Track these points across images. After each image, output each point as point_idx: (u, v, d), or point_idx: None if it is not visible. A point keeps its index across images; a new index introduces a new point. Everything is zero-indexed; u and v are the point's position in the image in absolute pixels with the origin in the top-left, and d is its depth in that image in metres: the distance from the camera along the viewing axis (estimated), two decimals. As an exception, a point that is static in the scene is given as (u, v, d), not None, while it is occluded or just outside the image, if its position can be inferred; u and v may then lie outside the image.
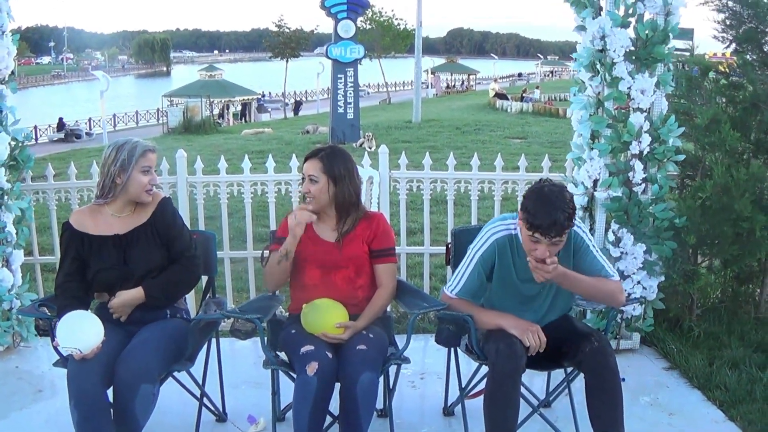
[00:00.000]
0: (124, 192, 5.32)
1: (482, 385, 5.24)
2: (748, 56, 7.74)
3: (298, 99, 71.76)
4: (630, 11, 6.68)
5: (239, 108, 62.39)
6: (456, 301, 5.29)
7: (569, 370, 5.41)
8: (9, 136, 7.17)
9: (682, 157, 6.94)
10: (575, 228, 5.18)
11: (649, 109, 6.80)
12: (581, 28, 6.93)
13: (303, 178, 5.43)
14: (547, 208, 4.79)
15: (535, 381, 6.03)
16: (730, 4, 7.71)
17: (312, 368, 4.80)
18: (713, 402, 6.35)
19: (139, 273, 5.28)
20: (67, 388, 4.78)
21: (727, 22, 7.75)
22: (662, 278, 7.05)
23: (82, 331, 4.90)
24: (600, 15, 6.81)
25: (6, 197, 7.14)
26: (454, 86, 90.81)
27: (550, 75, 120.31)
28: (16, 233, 7.31)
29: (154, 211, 5.44)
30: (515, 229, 5.21)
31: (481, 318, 5.21)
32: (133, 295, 5.19)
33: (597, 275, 5.24)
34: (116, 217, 5.39)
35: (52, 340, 5.12)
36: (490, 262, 5.24)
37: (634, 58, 6.70)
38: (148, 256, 5.33)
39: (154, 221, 5.41)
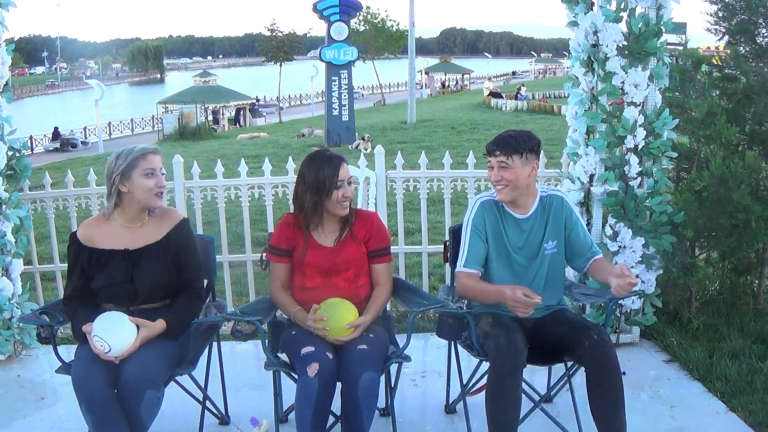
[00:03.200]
0: (132, 199, 5.25)
1: (484, 381, 5.26)
2: (741, 48, 7.75)
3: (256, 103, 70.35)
4: (622, 6, 6.71)
5: (233, 113, 62.34)
6: (464, 276, 5.37)
7: (570, 364, 5.41)
8: (5, 146, 7.18)
9: (674, 154, 6.98)
10: (567, 202, 5.50)
11: (643, 102, 6.83)
12: (574, 24, 6.96)
13: (340, 184, 5.35)
14: (499, 137, 5.26)
15: (535, 376, 6.04)
16: (723, -5, 7.73)
17: (313, 369, 4.80)
18: (714, 393, 6.36)
19: (143, 292, 5.25)
20: (75, 394, 4.77)
21: (720, 14, 7.76)
22: (661, 272, 7.07)
23: (120, 333, 4.95)
24: (592, 10, 6.83)
25: (4, 206, 7.15)
26: (448, 86, 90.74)
27: (544, 73, 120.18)
28: (15, 242, 7.31)
29: (170, 231, 5.38)
30: (496, 194, 5.40)
31: (483, 293, 5.29)
32: (158, 329, 5.11)
33: (588, 250, 5.49)
34: (127, 227, 5.33)
35: (54, 347, 5.14)
36: (481, 224, 5.39)
37: (626, 52, 6.72)
38: (156, 276, 5.28)
39: (168, 241, 5.35)
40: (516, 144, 5.18)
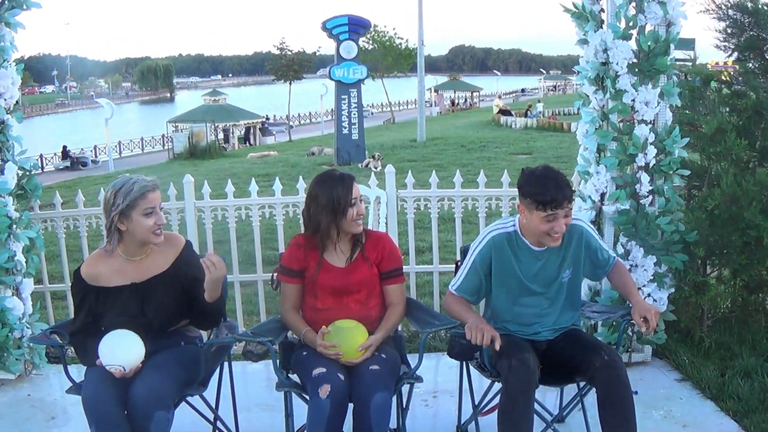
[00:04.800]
0: (132, 237, 5.21)
1: (495, 402, 5.24)
2: (750, 64, 7.74)
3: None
4: (631, 23, 6.70)
5: (243, 131, 62.43)
6: (451, 296, 5.45)
7: (582, 384, 5.38)
8: (16, 166, 7.19)
9: (687, 172, 6.95)
10: (580, 222, 5.42)
11: (654, 120, 6.82)
12: (584, 42, 6.94)
13: (353, 202, 5.32)
14: (550, 182, 5.03)
15: (547, 396, 6.03)
16: (731, 12, 7.71)
17: (324, 391, 4.79)
18: (726, 412, 6.32)
19: (157, 323, 5.24)
20: (86, 414, 4.77)
21: (729, 31, 7.75)
22: (672, 290, 7.05)
23: (126, 348, 4.95)
24: (602, 28, 6.83)
25: (14, 226, 7.14)
26: (457, 104, 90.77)
27: (554, 89, 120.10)
28: (26, 262, 7.31)
29: (175, 259, 5.36)
30: (513, 226, 5.34)
31: (458, 314, 5.29)
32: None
33: (606, 263, 5.56)
34: (130, 261, 5.29)
35: (65, 367, 5.14)
36: (488, 260, 5.34)
37: (636, 70, 6.71)
38: (168, 305, 5.28)
39: (175, 270, 5.32)
40: (571, 190, 5.12)
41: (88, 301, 5.25)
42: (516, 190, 5.29)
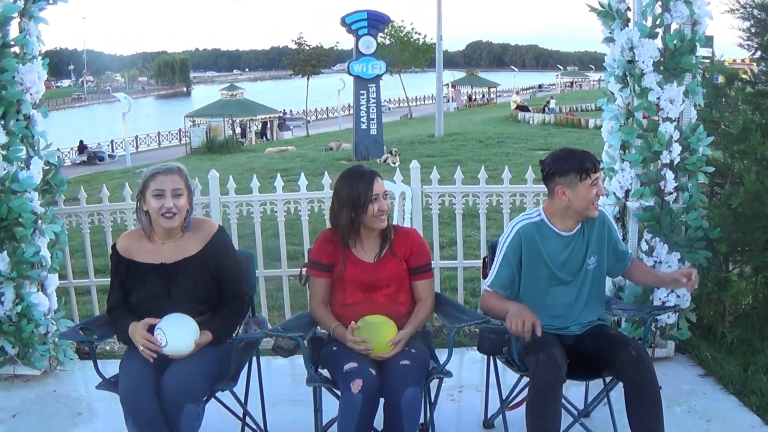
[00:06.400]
0: (153, 219, 5.30)
1: (522, 396, 5.29)
2: (773, 64, 7.76)
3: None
4: (657, 22, 6.72)
5: (259, 126, 62.40)
6: (487, 294, 5.45)
7: (608, 379, 5.43)
8: (42, 161, 7.22)
9: (711, 169, 6.97)
10: (607, 217, 5.59)
11: (679, 118, 6.84)
12: (610, 40, 6.97)
13: (374, 198, 5.34)
14: (580, 153, 5.35)
15: (572, 391, 6.06)
16: (756, 12, 7.72)
17: (357, 385, 4.83)
18: (749, 407, 6.36)
19: (182, 305, 5.26)
20: (123, 408, 4.83)
21: (752, 30, 7.76)
22: (695, 286, 7.08)
23: (182, 332, 5.08)
24: (628, 26, 6.86)
25: (40, 221, 7.16)
26: (474, 99, 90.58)
27: (570, 86, 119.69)
28: (51, 257, 7.33)
29: (206, 244, 5.40)
30: (539, 215, 5.44)
31: (496, 308, 5.31)
32: (207, 339, 5.18)
33: (625, 256, 5.73)
34: (163, 243, 5.37)
35: (95, 363, 5.20)
36: (518, 251, 5.37)
37: (662, 68, 6.74)
38: (194, 289, 5.32)
39: (205, 254, 5.37)
40: None
41: (119, 273, 5.36)
42: (540, 186, 5.37)
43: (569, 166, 5.21)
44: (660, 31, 6.76)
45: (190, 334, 5.08)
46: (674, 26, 6.76)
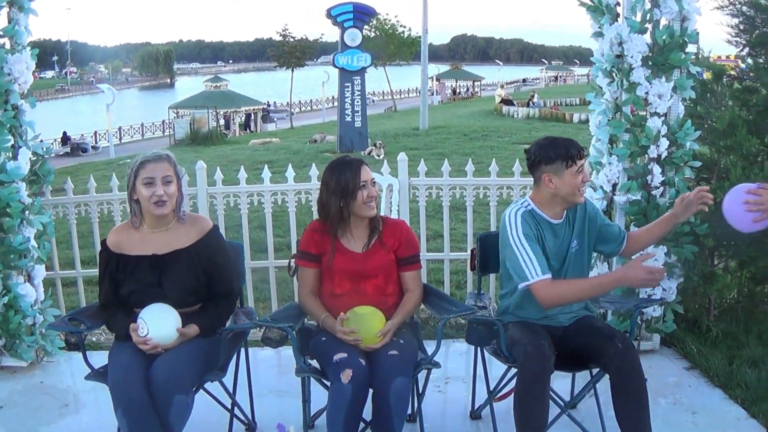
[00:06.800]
0: (144, 208, 5.32)
1: (509, 388, 5.31)
2: (761, 60, 7.80)
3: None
4: (647, 17, 6.76)
5: (243, 118, 62.30)
6: (545, 284, 5.18)
7: (594, 371, 5.44)
8: (29, 151, 7.20)
9: (698, 163, 7.02)
10: (587, 200, 5.61)
11: (666, 113, 6.88)
12: (599, 35, 7.01)
13: (363, 185, 5.38)
14: (564, 140, 5.34)
15: (559, 382, 6.08)
16: (744, 9, 7.77)
17: (346, 375, 4.85)
18: (735, 400, 6.42)
19: (172, 296, 5.28)
20: (113, 398, 4.82)
21: (741, 27, 7.81)
22: (681, 280, 7.12)
23: (162, 321, 5.10)
24: (617, 21, 6.89)
25: (27, 212, 7.14)
26: (459, 93, 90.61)
27: (555, 80, 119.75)
28: (38, 248, 7.33)
29: (200, 239, 5.43)
30: (529, 205, 5.46)
31: (587, 287, 5.34)
32: (194, 332, 5.20)
33: (621, 232, 5.79)
34: (153, 233, 5.39)
35: (84, 354, 5.20)
36: (531, 231, 5.33)
37: (650, 63, 6.77)
38: (184, 280, 5.33)
39: (198, 248, 5.40)
40: None
41: (110, 268, 5.36)
42: (527, 179, 5.38)
43: (555, 153, 5.24)
44: (649, 26, 6.79)
45: (172, 323, 5.11)
46: (663, 22, 6.80)
